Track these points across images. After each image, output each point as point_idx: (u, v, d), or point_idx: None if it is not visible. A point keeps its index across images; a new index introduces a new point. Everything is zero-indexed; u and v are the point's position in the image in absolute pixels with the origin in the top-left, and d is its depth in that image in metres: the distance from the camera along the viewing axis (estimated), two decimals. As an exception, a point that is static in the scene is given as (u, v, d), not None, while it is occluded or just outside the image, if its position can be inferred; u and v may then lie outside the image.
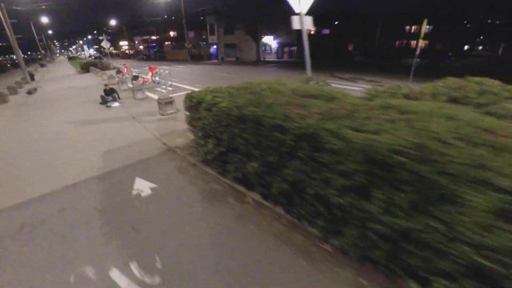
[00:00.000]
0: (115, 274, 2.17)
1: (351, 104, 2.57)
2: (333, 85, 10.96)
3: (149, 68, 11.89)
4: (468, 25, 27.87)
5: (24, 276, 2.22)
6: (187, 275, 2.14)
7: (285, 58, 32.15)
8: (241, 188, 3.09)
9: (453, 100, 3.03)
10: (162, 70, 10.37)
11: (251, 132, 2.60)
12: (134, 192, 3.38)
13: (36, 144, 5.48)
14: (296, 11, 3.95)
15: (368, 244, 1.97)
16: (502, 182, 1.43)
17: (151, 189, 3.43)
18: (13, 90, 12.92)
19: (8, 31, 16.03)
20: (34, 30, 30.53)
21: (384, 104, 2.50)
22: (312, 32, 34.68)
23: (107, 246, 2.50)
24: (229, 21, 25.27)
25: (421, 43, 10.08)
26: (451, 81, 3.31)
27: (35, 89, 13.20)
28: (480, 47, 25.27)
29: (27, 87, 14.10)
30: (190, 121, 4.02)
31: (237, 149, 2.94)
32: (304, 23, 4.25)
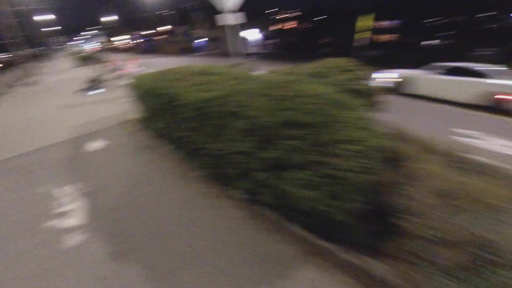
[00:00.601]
0: (64, 189, 3.24)
1: (226, 77, 3.50)
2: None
3: (130, 60, 12.80)
4: (426, 22, 29.62)
5: (7, 193, 3.31)
6: (110, 186, 3.22)
7: (269, 50, 32.65)
8: (162, 142, 4.09)
9: (312, 74, 3.95)
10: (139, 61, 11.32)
11: (155, 99, 3.58)
12: (91, 147, 4.45)
13: (30, 121, 6.63)
14: (218, 9, 4.81)
15: (207, 166, 2.97)
16: (249, 113, 2.39)
17: (104, 144, 4.49)
18: (18, 82, 14.02)
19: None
20: (40, 28, 31.28)
21: (242, 76, 3.43)
22: (290, 27, 35.43)
23: (60, 176, 3.57)
24: (214, 17, 26.02)
25: (360, 35, 10.94)
26: (319, 62, 4.21)
27: (36, 81, 14.22)
28: (437, 41, 26.63)
29: (30, 79, 15.11)
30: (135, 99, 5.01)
31: (154, 115, 3.94)
32: (228, 20, 5.11)
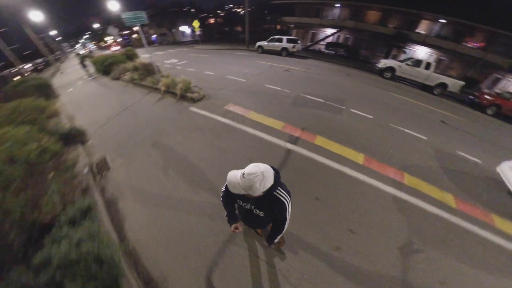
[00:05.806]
0: (78, 82, 15.52)
1: (107, 55, 15.35)
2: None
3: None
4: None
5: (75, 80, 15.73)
6: (96, 80, 15.51)
7: (196, 39, 43.02)
8: (101, 74, 16.11)
9: (125, 52, 15.84)
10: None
11: (96, 62, 15.62)
12: (87, 78, 16.65)
13: (69, 79, 18.73)
14: (109, 33, 16.35)
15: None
16: (105, 61, 14.42)
17: (90, 78, 16.67)
18: (55, 72, 25.80)
19: (39, 46, 27.80)
20: (47, 40, 41.19)
21: (111, 55, 15.28)
22: (213, 21, 45.53)
23: (83, 83, 15.83)
24: (157, 21, 36.12)
25: (197, 29, 21.95)
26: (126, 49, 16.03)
27: (63, 71, 25.93)
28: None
29: (60, 71, 26.74)
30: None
31: (97, 67, 15.97)
32: (115, 36, 16.71)
